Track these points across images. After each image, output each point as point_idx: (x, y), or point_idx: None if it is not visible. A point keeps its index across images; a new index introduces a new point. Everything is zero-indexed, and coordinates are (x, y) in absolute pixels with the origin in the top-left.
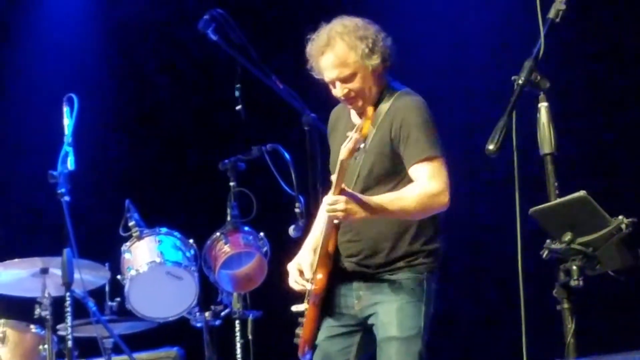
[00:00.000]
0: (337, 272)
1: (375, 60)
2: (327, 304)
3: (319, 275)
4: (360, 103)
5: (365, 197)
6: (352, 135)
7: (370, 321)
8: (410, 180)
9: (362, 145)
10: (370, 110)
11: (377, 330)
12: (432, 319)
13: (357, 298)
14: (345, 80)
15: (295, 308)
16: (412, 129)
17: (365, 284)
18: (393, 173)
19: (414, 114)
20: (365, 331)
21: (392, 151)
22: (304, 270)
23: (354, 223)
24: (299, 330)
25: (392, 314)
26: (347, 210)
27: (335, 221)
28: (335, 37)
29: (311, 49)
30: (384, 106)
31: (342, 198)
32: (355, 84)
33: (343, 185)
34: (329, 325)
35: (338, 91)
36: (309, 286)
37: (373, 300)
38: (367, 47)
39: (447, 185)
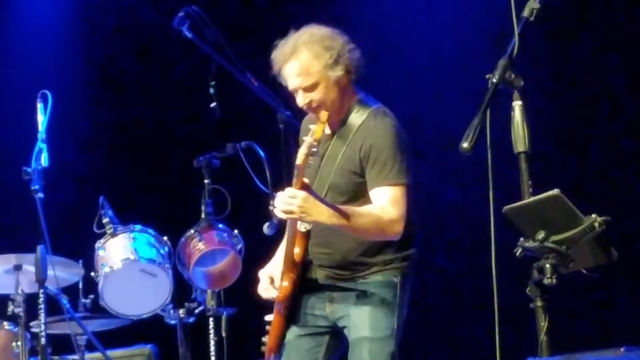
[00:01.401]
0: (309, 279)
1: (339, 71)
2: (295, 309)
3: (284, 283)
4: (323, 113)
5: (326, 203)
6: (306, 140)
7: (341, 323)
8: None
9: (314, 150)
10: (323, 115)
11: (348, 331)
12: (405, 321)
13: (330, 301)
14: (307, 89)
15: (268, 317)
16: (381, 153)
17: (337, 287)
18: (352, 192)
19: (385, 137)
20: (334, 333)
21: (361, 170)
22: (274, 278)
23: (308, 223)
24: (265, 339)
25: (365, 315)
26: (303, 208)
27: (285, 217)
28: (300, 46)
29: (276, 55)
30: (355, 122)
31: (302, 194)
32: (317, 94)
33: (305, 180)
34: (298, 326)
35: (300, 100)
36: (274, 294)
37: (345, 303)
38: (332, 58)
39: (404, 216)
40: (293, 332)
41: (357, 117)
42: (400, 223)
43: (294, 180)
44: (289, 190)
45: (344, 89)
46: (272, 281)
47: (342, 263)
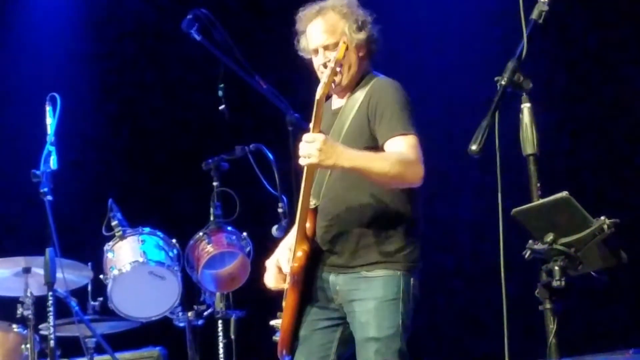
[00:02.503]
0: (315, 262)
1: (362, 35)
2: (307, 295)
3: (298, 253)
4: (337, 78)
5: (344, 146)
6: (328, 65)
7: (348, 319)
8: None
9: (339, 69)
10: (344, 38)
11: (355, 330)
12: (413, 316)
13: (335, 293)
14: (328, 47)
15: (273, 322)
16: (388, 107)
17: (342, 279)
18: None
19: (390, 93)
20: (346, 326)
21: (369, 131)
22: (282, 266)
23: (325, 168)
24: (276, 324)
25: (370, 314)
26: (322, 150)
27: (306, 162)
28: (327, 7)
29: (301, 17)
30: (360, 94)
31: (321, 136)
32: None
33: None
34: (312, 319)
35: (320, 59)
36: (287, 269)
37: (350, 297)
38: (356, 22)
39: (422, 161)
40: (308, 325)
41: (364, 87)
42: (420, 167)
43: (312, 122)
44: (307, 135)
45: (362, 59)
46: (279, 270)
47: (344, 240)
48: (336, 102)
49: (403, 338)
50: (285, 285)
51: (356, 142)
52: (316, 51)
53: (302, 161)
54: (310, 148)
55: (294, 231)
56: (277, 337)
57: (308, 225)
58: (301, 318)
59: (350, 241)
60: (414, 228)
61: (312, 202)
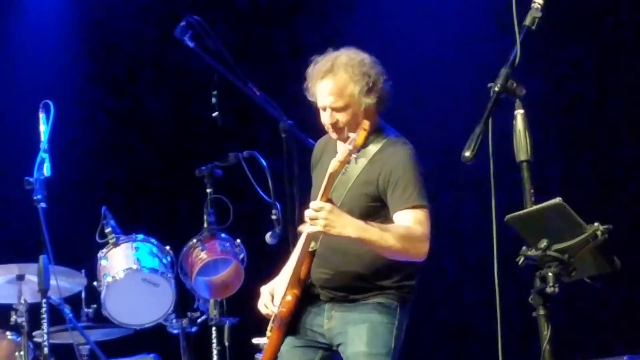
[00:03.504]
0: (310, 295)
1: (372, 100)
2: (294, 324)
3: (288, 297)
4: (345, 135)
5: (350, 218)
6: (345, 147)
7: (337, 341)
8: None
9: (354, 157)
10: (366, 123)
11: (345, 348)
12: (402, 345)
13: (328, 318)
14: (336, 109)
15: (256, 340)
16: (402, 177)
17: (337, 306)
18: (370, 215)
19: (404, 162)
20: (329, 351)
21: (376, 195)
22: (276, 295)
23: (330, 237)
24: (261, 340)
25: (363, 331)
26: (329, 220)
27: (314, 229)
28: (339, 65)
29: (312, 71)
30: (371, 149)
31: (328, 206)
32: (344, 116)
33: (331, 197)
34: (293, 337)
35: (327, 118)
36: (276, 310)
37: (344, 320)
38: (367, 85)
39: (429, 237)
40: (288, 343)
41: (373, 145)
42: (426, 243)
43: (321, 191)
44: (315, 203)
45: (370, 116)
46: (272, 298)
47: (342, 286)
48: (341, 147)
49: None
50: (268, 333)
51: (361, 198)
52: (324, 109)
53: (308, 228)
54: (316, 216)
55: (288, 270)
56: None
57: (302, 268)
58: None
59: (348, 284)
60: (412, 267)
61: (311, 245)
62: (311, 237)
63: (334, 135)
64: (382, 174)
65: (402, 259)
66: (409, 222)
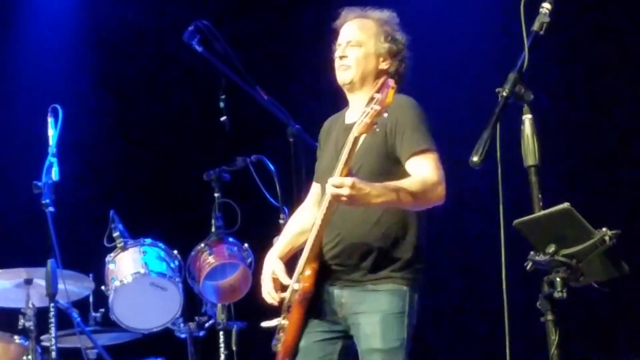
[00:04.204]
0: (320, 277)
1: (384, 47)
2: (310, 309)
3: (307, 272)
4: (348, 74)
5: (368, 183)
6: (370, 108)
7: (351, 332)
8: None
9: (385, 114)
10: (391, 80)
11: (359, 341)
12: (414, 331)
13: (339, 305)
14: (351, 44)
15: (265, 324)
16: (408, 124)
17: (347, 292)
18: (381, 173)
19: (410, 111)
20: (347, 339)
21: (385, 149)
22: (280, 277)
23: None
24: (280, 335)
25: (375, 326)
26: (351, 195)
27: (336, 205)
28: (370, 14)
29: (345, 12)
30: None
31: (348, 181)
32: (354, 52)
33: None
34: (312, 331)
35: (339, 50)
36: (296, 286)
37: (355, 310)
38: (386, 34)
39: (443, 179)
40: (307, 337)
41: None
42: (442, 186)
43: (343, 160)
44: (335, 179)
45: (380, 72)
46: (275, 281)
47: (351, 255)
48: (350, 116)
49: (406, 352)
50: (286, 295)
51: (371, 157)
52: (340, 45)
53: (328, 202)
54: (339, 193)
55: (284, 240)
56: (276, 345)
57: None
58: (303, 333)
59: (356, 255)
60: (420, 241)
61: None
62: (332, 210)
63: (338, 75)
64: (389, 126)
65: (425, 207)
66: (422, 168)
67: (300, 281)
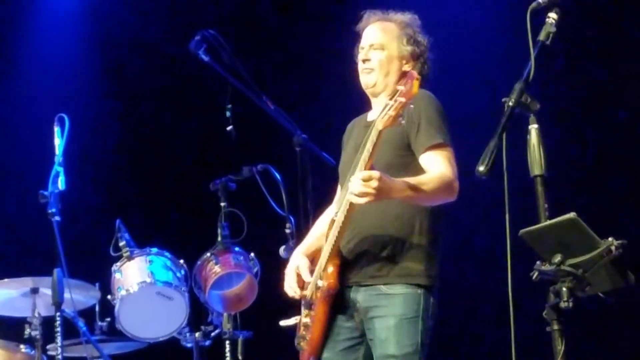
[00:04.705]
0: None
1: (407, 49)
2: (334, 305)
3: (330, 269)
4: (372, 77)
5: (392, 179)
6: (394, 100)
7: (368, 336)
8: (415, 173)
9: (411, 106)
10: (414, 72)
11: (374, 346)
12: (432, 333)
13: (355, 310)
14: (374, 47)
15: (284, 323)
16: (424, 117)
17: (361, 295)
18: (397, 166)
19: (426, 104)
20: (366, 344)
21: (402, 142)
22: (302, 274)
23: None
24: (303, 332)
25: (390, 331)
26: (380, 187)
27: (362, 201)
28: (392, 17)
29: (368, 14)
30: None
31: (376, 174)
32: (377, 55)
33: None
34: (335, 339)
35: (362, 54)
36: (319, 283)
37: (370, 314)
38: (409, 37)
39: (457, 176)
40: (330, 346)
41: None
42: (456, 183)
43: (367, 154)
44: (363, 174)
45: (402, 75)
46: (298, 277)
47: (366, 252)
48: (372, 116)
49: (422, 356)
50: (307, 293)
51: (387, 149)
52: (363, 48)
53: (355, 199)
54: (366, 187)
55: (312, 236)
56: (300, 343)
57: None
58: (329, 332)
59: (371, 253)
60: (435, 243)
61: (336, 212)
62: (356, 207)
63: (362, 78)
64: (406, 118)
65: (440, 202)
66: (439, 163)
67: (324, 278)
